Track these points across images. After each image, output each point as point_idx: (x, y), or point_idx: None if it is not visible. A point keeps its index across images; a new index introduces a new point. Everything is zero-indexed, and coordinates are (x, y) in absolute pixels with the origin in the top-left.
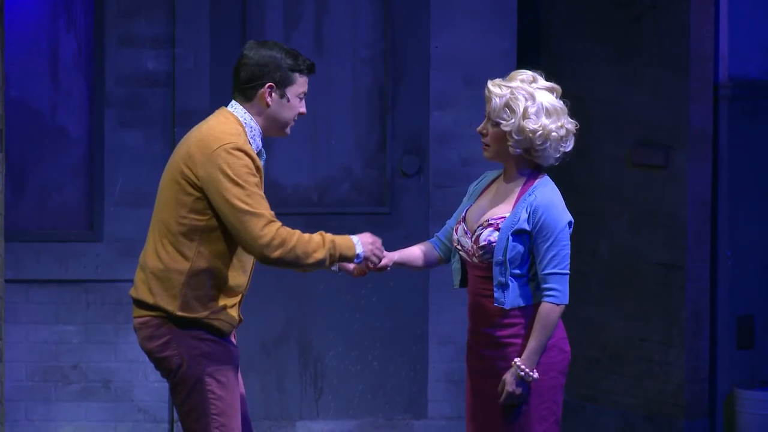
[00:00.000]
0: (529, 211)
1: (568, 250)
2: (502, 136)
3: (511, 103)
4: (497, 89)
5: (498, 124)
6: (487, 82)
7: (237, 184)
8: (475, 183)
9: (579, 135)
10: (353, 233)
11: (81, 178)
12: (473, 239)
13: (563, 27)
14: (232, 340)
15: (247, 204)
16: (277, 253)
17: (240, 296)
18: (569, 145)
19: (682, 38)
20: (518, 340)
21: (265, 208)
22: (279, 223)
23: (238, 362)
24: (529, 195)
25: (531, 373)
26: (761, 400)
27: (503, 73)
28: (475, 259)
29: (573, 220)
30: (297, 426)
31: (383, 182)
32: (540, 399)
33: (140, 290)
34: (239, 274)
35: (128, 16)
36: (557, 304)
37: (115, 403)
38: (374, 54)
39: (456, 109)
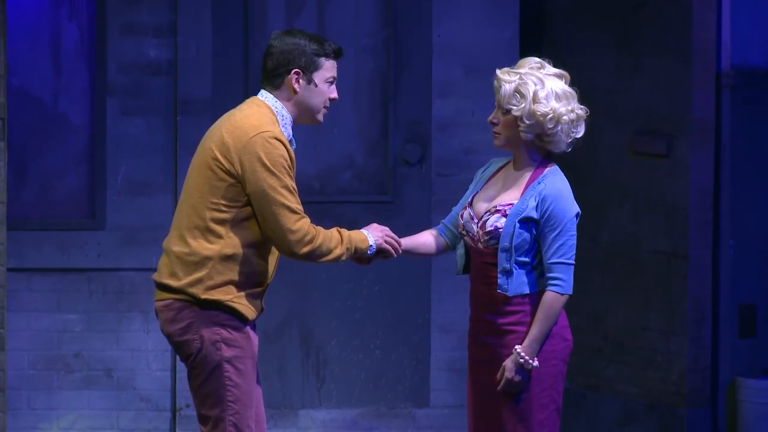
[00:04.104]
0: (537, 199)
1: (574, 241)
2: (513, 123)
3: (521, 88)
4: (506, 76)
5: (509, 111)
6: (495, 71)
7: (273, 174)
8: (482, 169)
9: None
10: (355, 222)
11: (83, 167)
12: (479, 225)
13: (565, 16)
14: (254, 330)
15: (282, 195)
16: (305, 249)
17: (264, 285)
18: (580, 131)
19: (683, 27)
20: (520, 328)
21: (297, 202)
22: (308, 219)
23: (257, 352)
24: (538, 183)
25: (531, 362)
26: (763, 389)
27: (505, 62)
28: (480, 245)
29: (580, 212)
30: (299, 414)
31: (385, 171)
32: (541, 387)
33: (163, 274)
34: (265, 263)
35: (130, 4)
36: (561, 294)
37: (117, 392)
38: (376, 43)
39: (458, 98)
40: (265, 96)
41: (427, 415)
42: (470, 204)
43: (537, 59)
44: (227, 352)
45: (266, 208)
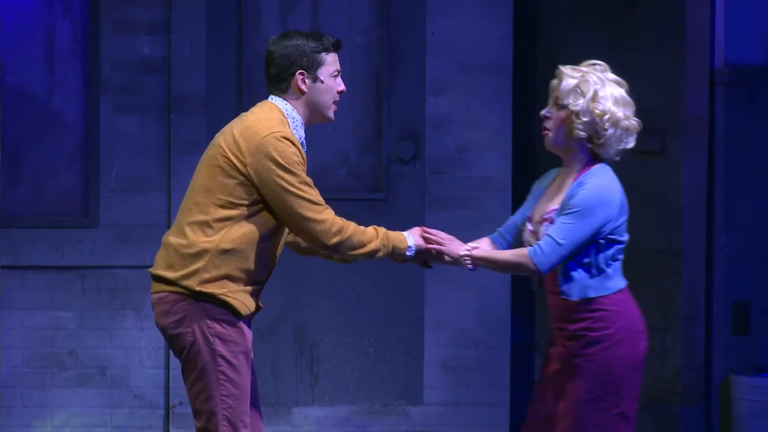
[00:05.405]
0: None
1: (582, 234)
2: (567, 119)
3: (581, 85)
4: (569, 71)
5: (565, 107)
6: (558, 67)
7: (289, 171)
8: (539, 181)
9: None
10: (350, 219)
11: (77, 164)
12: (536, 237)
13: (559, 13)
14: (248, 326)
15: (302, 191)
16: (334, 240)
17: (261, 284)
18: (631, 142)
19: (678, 24)
20: (590, 333)
21: (318, 195)
22: (332, 211)
23: (251, 348)
24: (580, 184)
25: (468, 263)
26: (757, 386)
27: (499, 59)
28: None
29: (624, 217)
30: (293, 412)
31: (379, 168)
32: (602, 390)
33: (160, 266)
34: (263, 262)
35: (124, 1)
36: (531, 258)
37: (110, 390)
38: (370, 40)
39: (452, 96)
40: (275, 100)
41: (421, 412)
42: (530, 219)
43: (600, 62)
44: (220, 347)
45: (288, 206)
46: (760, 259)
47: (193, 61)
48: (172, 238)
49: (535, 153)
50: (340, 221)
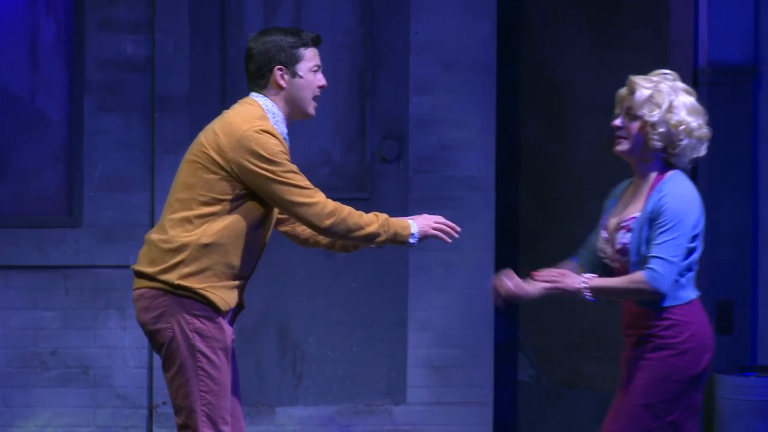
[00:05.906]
0: (656, 205)
1: (684, 244)
2: (642, 129)
3: (656, 96)
4: (642, 81)
5: (639, 117)
6: (629, 77)
7: (273, 162)
8: (611, 194)
9: (558, 120)
10: None
11: (60, 163)
12: (611, 245)
13: (544, 12)
14: (230, 323)
15: (288, 178)
16: (328, 222)
17: (242, 281)
18: (703, 150)
19: (661, 23)
20: (657, 339)
21: (305, 180)
22: (323, 194)
23: (233, 345)
24: (659, 192)
25: (587, 293)
26: (741, 386)
27: (483, 58)
28: (617, 264)
29: (702, 223)
30: (276, 412)
31: (363, 168)
32: (659, 397)
33: (142, 263)
34: (245, 257)
35: (108, 0)
36: (648, 282)
37: (93, 389)
38: (353, 39)
39: (435, 95)
40: (255, 96)
41: (404, 412)
42: (605, 227)
43: (669, 71)
44: (199, 343)
45: (277, 195)
46: (744, 258)
47: (176, 60)
48: (154, 235)
49: (518, 153)
50: (333, 203)
